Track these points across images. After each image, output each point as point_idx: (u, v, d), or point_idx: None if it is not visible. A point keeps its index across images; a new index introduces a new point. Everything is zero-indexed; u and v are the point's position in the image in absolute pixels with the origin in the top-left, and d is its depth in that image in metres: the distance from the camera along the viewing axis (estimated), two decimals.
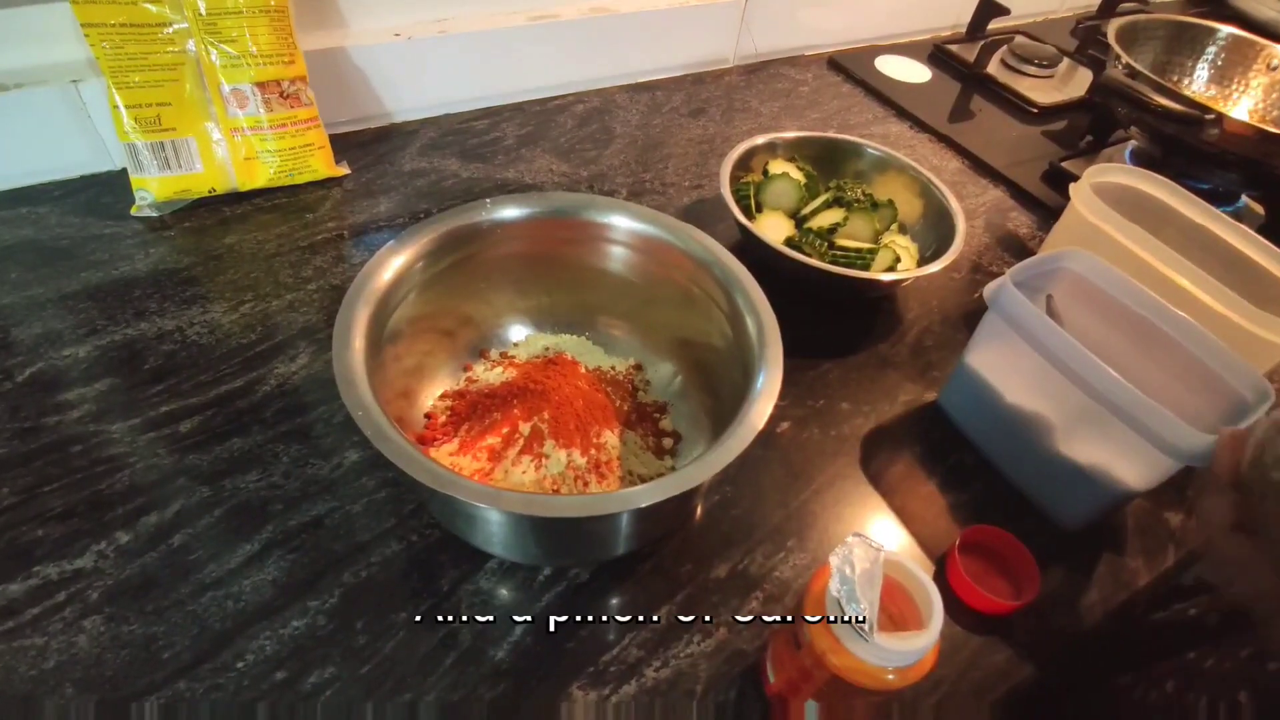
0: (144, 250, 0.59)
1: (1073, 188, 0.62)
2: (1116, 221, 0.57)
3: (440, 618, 0.41)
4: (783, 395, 0.39)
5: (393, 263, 0.43)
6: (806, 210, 0.66)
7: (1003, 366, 0.50)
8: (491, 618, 0.41)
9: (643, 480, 0.46)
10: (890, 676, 0.32)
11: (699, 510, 0.48)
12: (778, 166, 0.68)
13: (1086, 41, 1.09)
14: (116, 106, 0.57)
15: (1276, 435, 0.34)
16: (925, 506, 0.50)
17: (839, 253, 0.60)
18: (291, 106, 0.63)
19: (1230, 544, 0.33)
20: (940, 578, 0.46)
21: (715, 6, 0.88)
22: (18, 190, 0.62)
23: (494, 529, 0.38)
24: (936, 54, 1.06)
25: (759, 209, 0.66)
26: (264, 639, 0.39)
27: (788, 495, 0.50)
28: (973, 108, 0.96)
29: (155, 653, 0.38)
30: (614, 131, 0.81)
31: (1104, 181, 0.63)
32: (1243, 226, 0.58)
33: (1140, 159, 0.82)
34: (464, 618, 0.41)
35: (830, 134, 0.72)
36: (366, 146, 0.73)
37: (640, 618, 0.42)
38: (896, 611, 0.33)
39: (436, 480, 0.33)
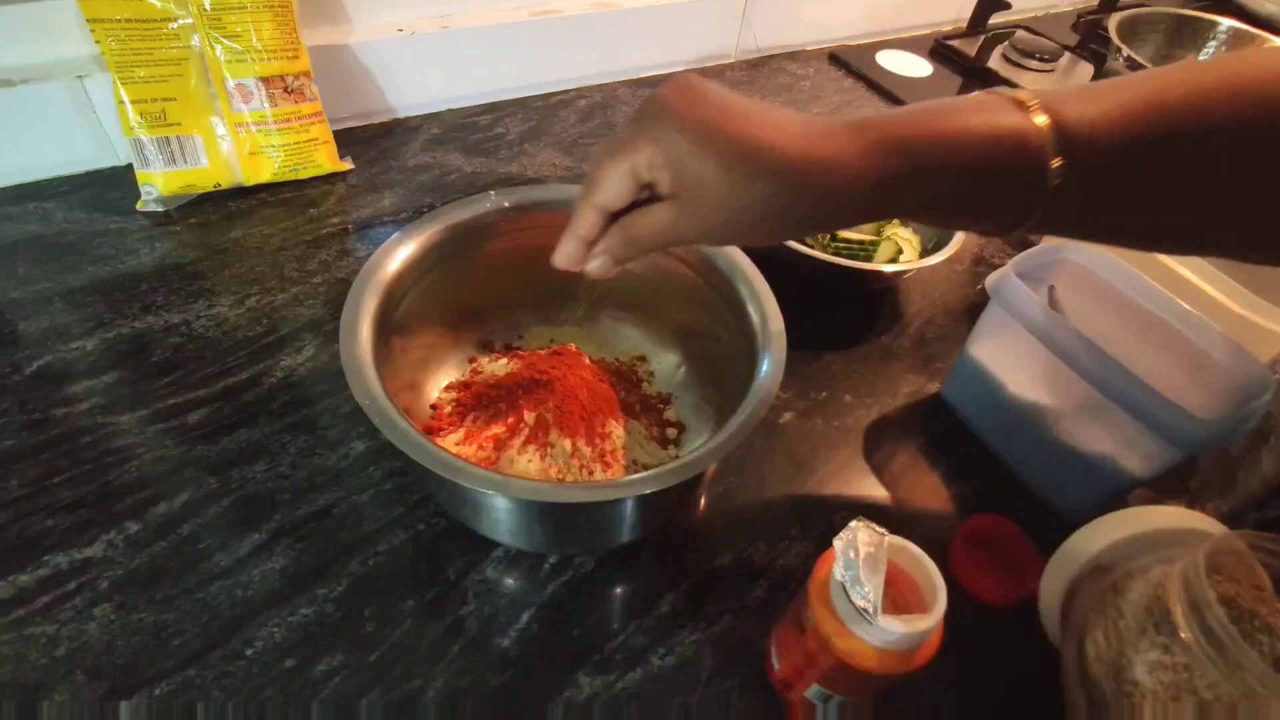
0: (150, 245, 0.59)
1: None
2: None
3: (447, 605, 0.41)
4: (786, 386, 0.40)
5: (399, 254, 0.43)
6: None
7: (1005, 357, 0.51)
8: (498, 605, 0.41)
9: (647, 470, 0.46)
10: (895, 661, 0.32)
11: (703, 500, 0.48)
12: None
13: (1088, 36, 1.09)
14: (122, 102, 0.58)
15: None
16: (928, 497, 0.51)
17: (842, 245, 0.61)
18: (296, 102, 0.64)
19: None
20: (943, 568, 0.46)
21: (717, 1, 0.88)
22: (24, 186, 0.62)
23: (501, 516, 0.39)
24: (938, 48, 1.06)
25: None
26: (273, 627, 0.39)
27: (791, 486, 0.50)
28: None
29: (165, 640, 0.38)
30: (616, 126, 0.81)
31: None
32: None
33: None
34: (471, 605, 0.41)
35: None
36: (370, 141, 0.73)
37: (645, 605, 0.43)
38: (900, 596, 0.33)
39: (445, 468, 0.33)
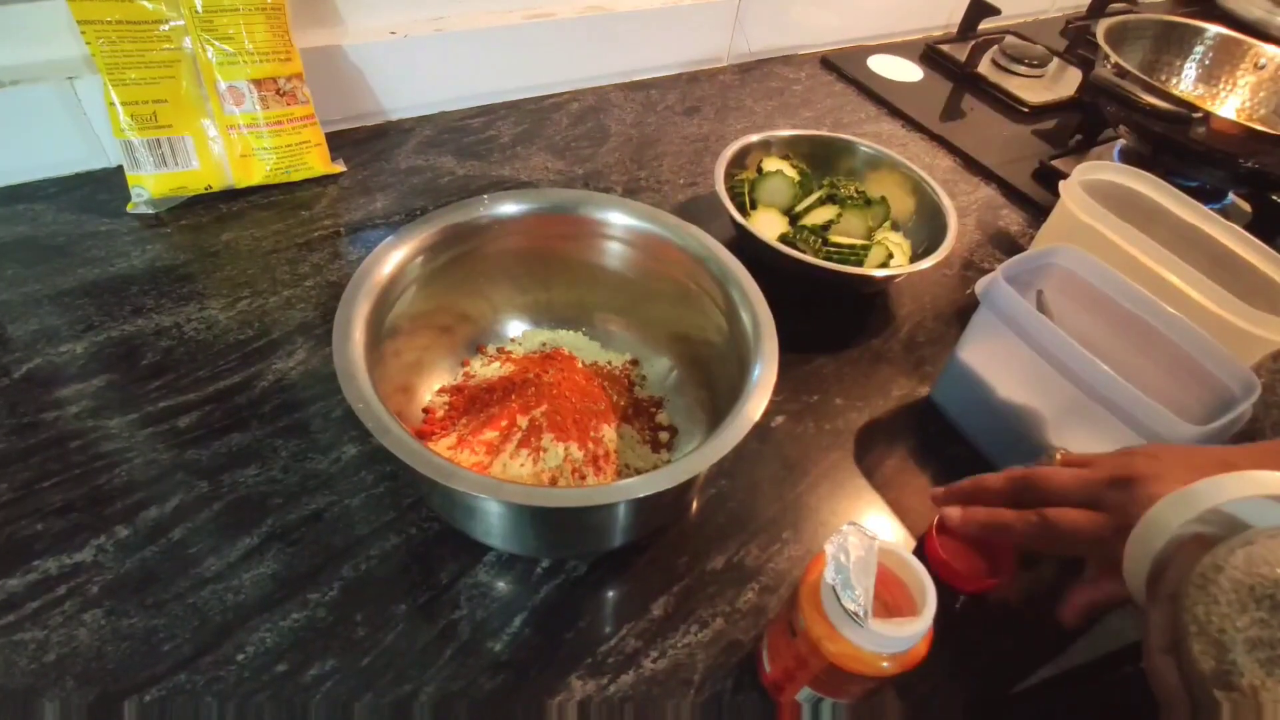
0: (140, 247, 0.59)
1: (1063, 185, 0.63)
2: (1106, 218, 0.58)
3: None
4: (777, 390, 0.40)
5: (392, 258, 0.43)
6: (800, 207, 0.66)
7: (994, 361, 0.51)
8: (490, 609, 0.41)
9: (639, 474, 0.46)
10: (885, 664, 0.32)
11: (695, 504, 0.48)
12: (772, 164, 0.68)
13: (1076, 41, 1.10)
14: (112, 103, 0.57)
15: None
16: (918, 500, 0.51)
17: (833, 249, 0.61)
18: (288, 104, 0.63)
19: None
20: (919, 557, 0.46)
21: (709, 5, 0.89)
22: (13, 187, 0.62)
23: (493, 521, 0.39)
24: (928, 53, 1.06)
25: (753, 206, 0.67)
26: (264, 632, 0.39)
27: (783, 488, 0.50)
28: (964, 107, 0.97)
29: (156, 646, 0.38)
30: (609, 129, 0.81)
31: (1093, 179, 0.64)
32: (1230, 223, 0.58)
33: (1129, 157, 0.83)
34: (463, 609, 0.41)
35: (824, 132, 0.72)
36: (362, 144, 0.73)
37: (637, 609, 0.43)
38: (890, 599, 0.34)
39: (438, 472, 0.33)
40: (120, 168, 0.61)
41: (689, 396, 0.51)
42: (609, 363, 0.53)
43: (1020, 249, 0.75)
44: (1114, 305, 0.50)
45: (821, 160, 0.72)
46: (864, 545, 0.32)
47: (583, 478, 0.44)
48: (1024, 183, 0.83)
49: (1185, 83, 0.88)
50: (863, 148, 0.71)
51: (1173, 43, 0.87)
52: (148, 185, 0.60)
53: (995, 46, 1.07)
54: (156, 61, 0.58)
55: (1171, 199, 0.61)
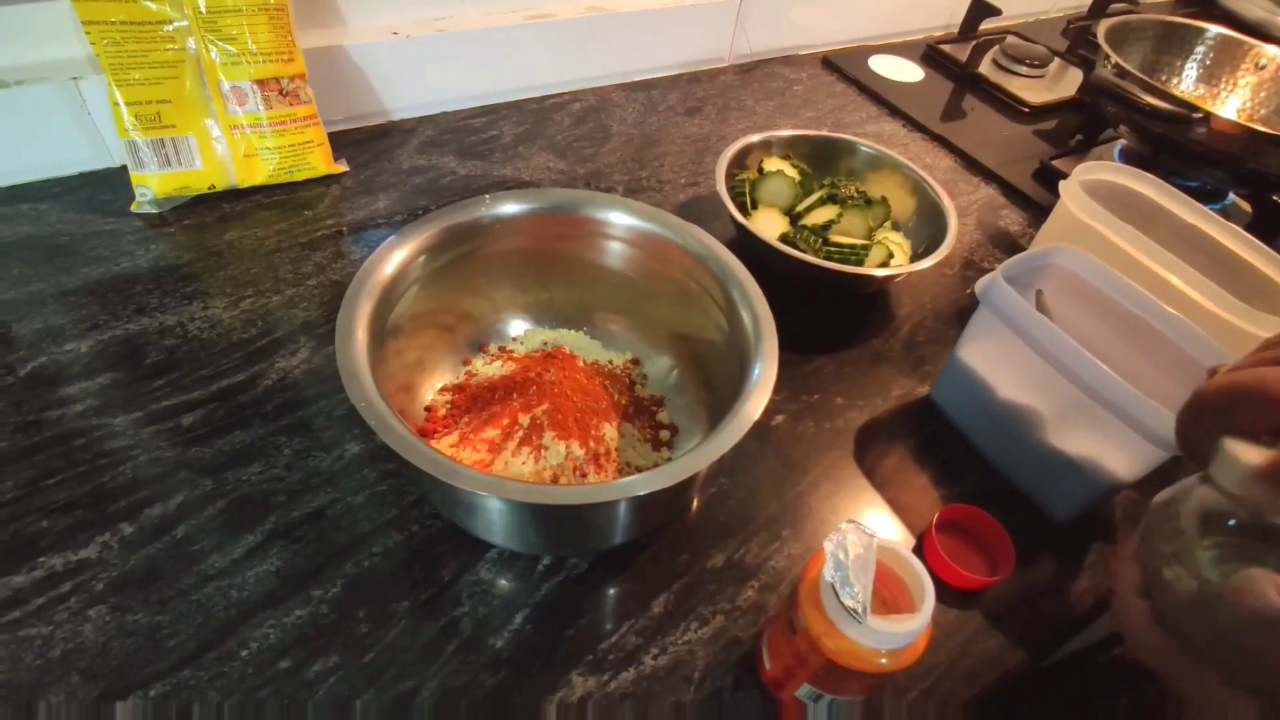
0: (144, 246, 0.59)
1: (1063, 185, 0.63)
2: (1106, 219, 0.58)
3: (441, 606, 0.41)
4: (777, 389, 0.40)
5: (394, 257, 0.43)
6: (801, 207, 0.66)
7: (994, 361, 0.51)
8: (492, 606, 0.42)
9: (640, 472, 0.46)
10: (883, 660, 0.33)
11: (696, 502, 0.48)
12: (773, 164, 0.68)
13: (1077, 42, 1.10)
14: (117, 104, 0.58)
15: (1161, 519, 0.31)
16: (918, 499, 0.51)
17: (833, 249, 0.61)
18: (291, 104, 0.64)
19: (1134, 613, 0.29)
20: (918, 555, 0.47)
21: (711, 6, 0.89)
22: (18, 187, 0.62)
23: (495, 518, 0.39)
24: (929, 54, 1.07)
25: (754, 206, 0.67)
26: (267, 628, 0.40)
27: (783, 487, 0.50)
28: (965, 107, 0.97)
29: (160, 642, 0.38)
30: (610, 129, 0.82)
31: (1094, 179, 0.64)
32: (1230, 224, 0.59)
33: (1129, 157, 0.83)
34: (465, 606, 0.41)
35: (824, 132, 0.72)
36: (365, 144, 0.74)
37: (638, 606, 0.43)
38: (890, 596, 0.34)
39: (440, 470, 0.33)
40: (124, 167, 0.61)
41: (689, 395, 0.51)
42: (610, 362, 0.53)
43: (1020, 249, 0.75)
44: (1114, 305, 0.50)
45: (822, 160, 0.72)
46: (863, 543, 0.32)
47: (584, 476, 0.44)
48: (1024, 183, 0.83)
49: (1186, 83, 0.88)
50: (863, 148, 0.71)
51: (1173, 43, 0.87)
52: (152, 185, 0.61)
53: (996, 47, 1.07)
54: (160, 62, 0.58)
55: (1171, 199, 0.62)
